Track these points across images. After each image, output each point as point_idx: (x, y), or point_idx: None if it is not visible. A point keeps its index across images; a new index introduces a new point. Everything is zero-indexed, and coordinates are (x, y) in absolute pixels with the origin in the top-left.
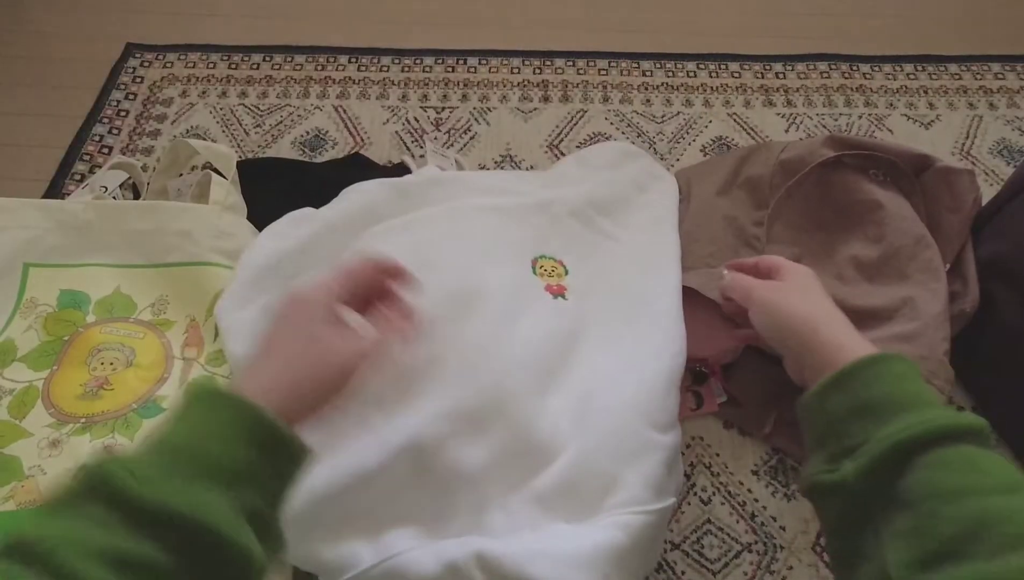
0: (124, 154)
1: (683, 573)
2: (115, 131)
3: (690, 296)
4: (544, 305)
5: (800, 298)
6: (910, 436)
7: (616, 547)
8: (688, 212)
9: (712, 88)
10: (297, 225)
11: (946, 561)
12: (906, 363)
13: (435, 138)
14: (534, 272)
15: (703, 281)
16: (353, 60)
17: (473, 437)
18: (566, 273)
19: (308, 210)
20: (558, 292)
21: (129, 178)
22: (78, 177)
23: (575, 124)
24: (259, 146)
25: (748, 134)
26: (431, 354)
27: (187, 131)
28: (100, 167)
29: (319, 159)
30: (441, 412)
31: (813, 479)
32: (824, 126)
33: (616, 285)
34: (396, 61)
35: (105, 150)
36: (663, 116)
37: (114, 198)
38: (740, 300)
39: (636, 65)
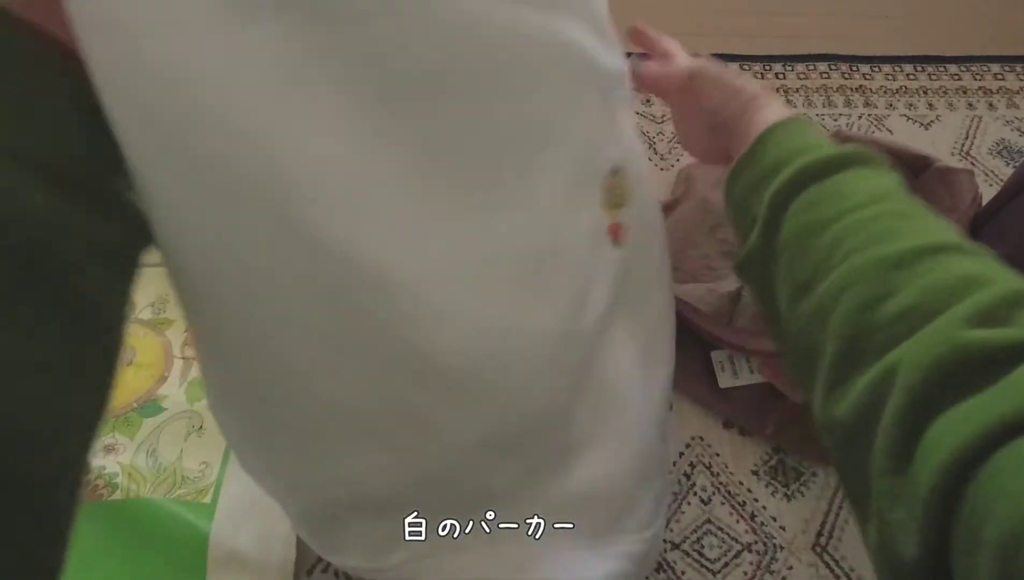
0: None
1: (683, 573)
2: None
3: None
4: (608, 265)
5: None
6: (778, 188)
7: (625, 576)
8: (687, 211)
9: None
10: None
11: (812, 282)
12: (799, 122)
13: None
14: (603, 201)
15: (698, 295)
16: None
17: (500, 459)
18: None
19: None
20: (618, 236)
21: None
22: None
23: None
24: None
25: None
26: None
27: None
28: None
29: None
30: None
31: (734, 262)
32: (824, 126)
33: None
34: None
35: None
36: (663, 116)
37: None
38: (680, 76)
39: None
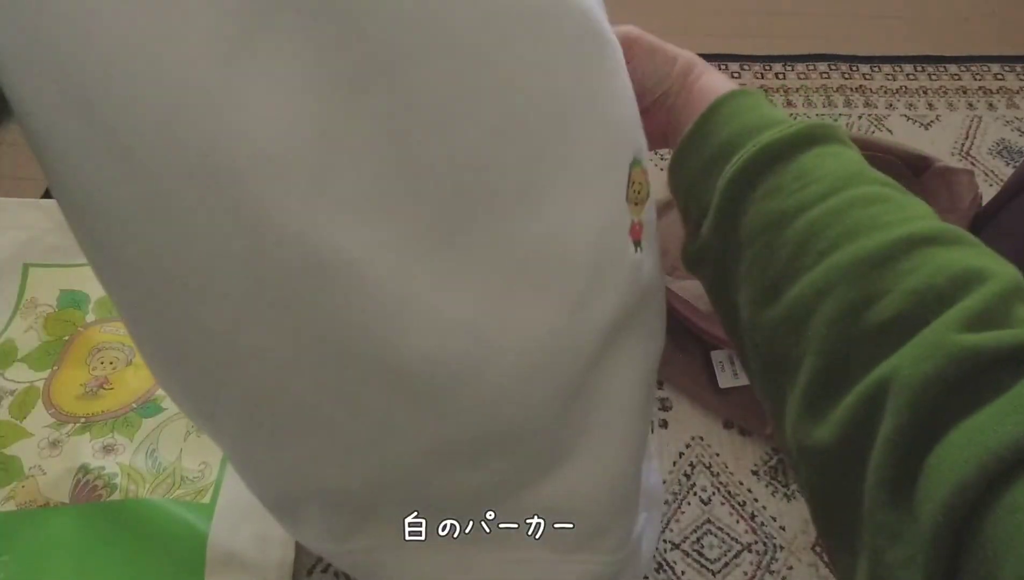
0: None
1: (683, 573)
2: None
3: None
4: (626, 269)
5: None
6: (733, 174)
7: None
8: None
9: None
10: None
11: (781, 285)
12: (749, 95)
13: None
14: (628, 195)
15: (697, 293)
16: None
17: (474, 465)
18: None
19: None
20: (639, 237)
21: None
22: None
23: None
24: None
25: None
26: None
27: None
28: None
29: None
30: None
31: (684, 253)
32: None
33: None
34: None
35: None
36: None
37: None
38: (624, 41)
39: None
